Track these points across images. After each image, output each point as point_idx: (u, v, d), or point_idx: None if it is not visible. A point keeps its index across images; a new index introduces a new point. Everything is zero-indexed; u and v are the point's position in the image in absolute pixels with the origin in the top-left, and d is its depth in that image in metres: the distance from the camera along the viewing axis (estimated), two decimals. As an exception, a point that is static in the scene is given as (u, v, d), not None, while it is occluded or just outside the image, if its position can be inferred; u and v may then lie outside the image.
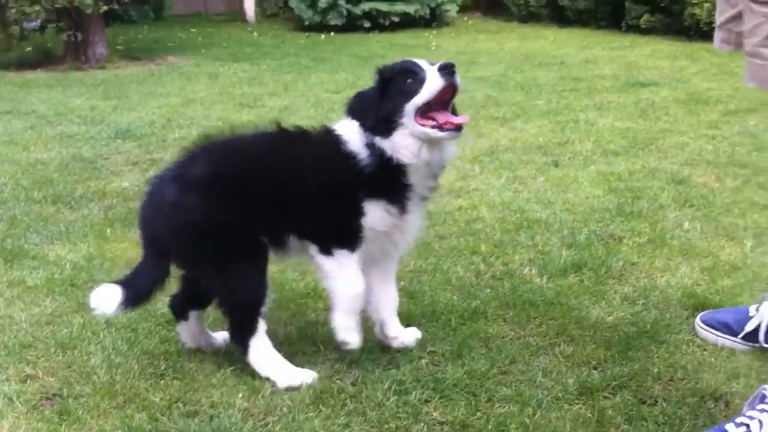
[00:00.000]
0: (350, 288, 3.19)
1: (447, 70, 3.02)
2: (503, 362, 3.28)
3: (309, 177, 3.13)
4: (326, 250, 3.15)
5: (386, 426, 2.87)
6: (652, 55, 12.08)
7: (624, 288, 4.00)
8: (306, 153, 3.19)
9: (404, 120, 3.04)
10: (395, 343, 3.42)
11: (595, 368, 3.24)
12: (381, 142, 3.07)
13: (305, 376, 3.18)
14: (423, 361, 3.33)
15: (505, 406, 2.97)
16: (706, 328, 3.46)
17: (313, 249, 3.17)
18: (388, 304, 3.43)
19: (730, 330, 3.41)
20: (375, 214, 3.12)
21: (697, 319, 3.54)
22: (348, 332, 3.21)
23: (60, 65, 12.38)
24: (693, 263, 4.25)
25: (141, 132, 7.68)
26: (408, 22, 17.04)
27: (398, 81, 3.10)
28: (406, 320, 3.66)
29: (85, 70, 12.07)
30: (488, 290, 3.98)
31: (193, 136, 7.38)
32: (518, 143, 6.99)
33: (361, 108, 3.15)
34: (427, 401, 3.03)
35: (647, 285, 4.02)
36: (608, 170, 6.06)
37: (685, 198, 5.31)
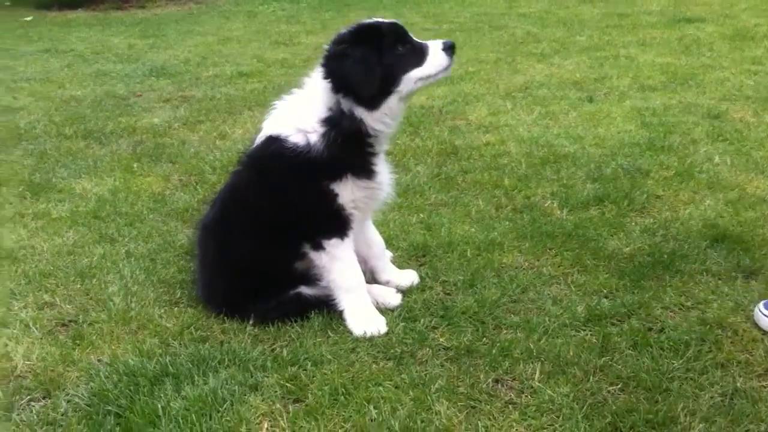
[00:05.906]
0: (349, 280, 3.09)
1: (452, 50, 2.96)
2: (514, 291, 3.25)
3: (272, 195, 3.05)
4: (318, 245, 3.06)
5: (392, 350, 2.87)
6: (703, -10, 11.75)
7: (645, 220, 3.93)
8: (255, 175, 3.12)
9: (400, 88, 2.93)
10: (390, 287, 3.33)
11: (606, 297, 3.20)
12: (363, 114, 2.93)
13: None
14: (435, 290, 3.32)
15: (511, 333, 2.95)
16: None
17: (306, 247, 3.09)
18: (374, 252, 3.36)
19: None
20: (346, 190, 3.00)
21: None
22: (367, 323, 3.05)
23: (101, 5, 12.47)
24: (718, 196, 4.16)
25: (175, 70, 7.73)
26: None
27: (391, 47, 2.93)
28: (422, 251, 3.67)
29: (125, 10, 12.14)
30: (507, 222, 3.93)
31: (226, 73, 7.43)
32: (554, 79, 6.88)
33: (361, 75, 2.89)
34: (434, 328, 3.02)
35: (669, 217, 3.94)
36: (643, 105, 5.93)
37: (718, 132, 5.18)
